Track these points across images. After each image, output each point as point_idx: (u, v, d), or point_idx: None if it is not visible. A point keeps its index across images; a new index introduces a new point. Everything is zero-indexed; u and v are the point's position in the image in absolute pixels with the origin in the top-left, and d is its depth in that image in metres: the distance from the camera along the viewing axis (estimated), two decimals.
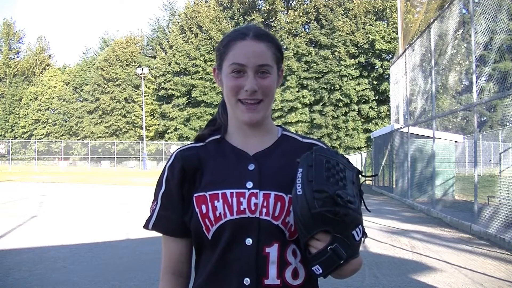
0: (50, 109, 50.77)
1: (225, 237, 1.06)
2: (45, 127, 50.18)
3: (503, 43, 7.90)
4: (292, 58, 38.53)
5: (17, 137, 50.14)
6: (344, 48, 37.55)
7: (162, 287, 1.17)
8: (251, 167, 1.12)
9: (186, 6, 43.58)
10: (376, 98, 37.98)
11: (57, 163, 46.51)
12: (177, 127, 41.98)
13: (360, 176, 1.06)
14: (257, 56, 1.10)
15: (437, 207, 10.63)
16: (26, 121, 50.14)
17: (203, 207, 1.09)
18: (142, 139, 42.55)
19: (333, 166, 1.00)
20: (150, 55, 48.71)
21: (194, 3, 43.24)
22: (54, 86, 50.61)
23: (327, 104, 38.44)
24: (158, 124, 44.49)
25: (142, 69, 41.68)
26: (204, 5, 42.64)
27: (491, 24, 7.73)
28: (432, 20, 11.20)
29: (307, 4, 40.84)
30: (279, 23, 40.76)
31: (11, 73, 52.25)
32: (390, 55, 35.75)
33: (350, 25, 37.83)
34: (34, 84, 51.15)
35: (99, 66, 46.71)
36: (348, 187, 0.98)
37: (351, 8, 38.41)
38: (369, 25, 37.58)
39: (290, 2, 42.76)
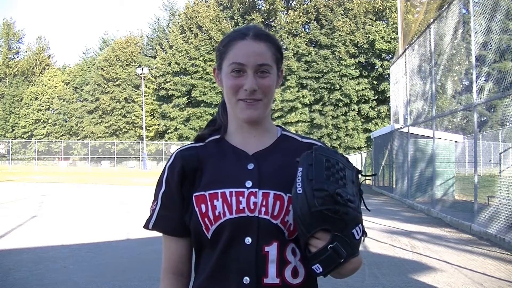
0: (50, 109, 50.81)
1: (225, 236, 1.07)
2: (45, 127, 50.22)
3: (503, 43, 7.90)
4: (292, 58, 38.54)
5: (17, 137, 50.16)
6: (344, 48, 37.57)
7: (163, 287, 1.17)
8: (251, 166, 1.12)
9: (186, 6, 43.60)
10: (376, 98, 38.01)
11: (57, 163, 46.54)
12: (177, 127, 42.00)
13: (359, 175, 1.07)
14: (257, 56, 1.10)
15: (437, 207, 10.63)
16: (26, 121, 50.18)
17: (203, 206, 1.09)
18: (142, 139, 42.57)
19: (333, 165, 1.00)
20: (150, 55, 48.73)
21: (194, 3, 43.25)
22: (55, 86, 50.64)
23: (327, 104, 38.46)
24: (158, 124, 44.51)
25: (142, 69, 41.70)
26: (204, 5, 42.64)
27: (491, 24, 7.73)
28: (432, 20, 11.20)
29: (307, 4, 40.86)
30: (279, 23, 40.76)
31: (11, 73, 52.25)
32: (390, 55, 35.76)
33: (350, 25, 37.85)
34: (34, 84, 51.18)
35: (99, 66, 46.74)
36: (348, 186, 0.99)
37: (351, 8, 38.43)
38: (368, 25, 37.60)
39: (290, 2, 42.76)
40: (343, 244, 0.97)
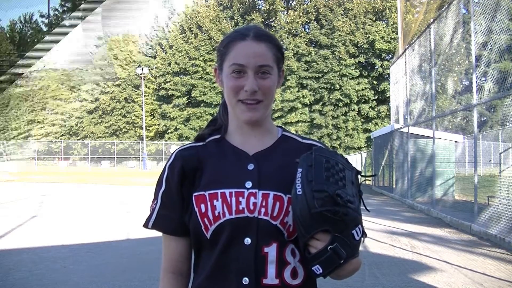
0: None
1: (224, 237, 1.07)
2: (43, 127, 50.12)
3: (503, 43, 7.90)
4: (292, 58, 38.53)
5: (16, 138, 50.05)
6: (344, 48, 37.57)
7: (162, 286, 1.17)
8: (251, 167, 1.12)
9: (186, 6, 43.60)
10: (376, 98, 38.00)
11: (57, 163, 46.50)
12: (177, 127, 42.00)
13: (359, 176, 1.07)
14: (257, 57, 1.10)
15: (437, 207, 10.63)
16: (26, 121, 50.09)
17: (202, 206, 1.09)
18: (142, 139, 42.56)
19: (333, 166, 1.00)
20: (150, 55, 48.70)
21: (194, 3, 43.25)
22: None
23: (327, 104, 38.47)
24: (158, 124, 44.49)
25: (142, 69, 41.67)
26: (204, 5, 42.65)
27: (491, 24, 7.73)
28: (432, 20, 11.21)
29: (307, 4, 40.86)
30: (279, 23, 40.77)
31: None
32: (390, 55, 35.76)
33: (350, 25, 37.86)
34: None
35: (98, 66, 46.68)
36: (348, 187, 0.99)
37: (350, 8, 38.44)
38: (368, 25, 37.61)
39: (290, 2, 42.77)
40: (343, 245, 0.97)
